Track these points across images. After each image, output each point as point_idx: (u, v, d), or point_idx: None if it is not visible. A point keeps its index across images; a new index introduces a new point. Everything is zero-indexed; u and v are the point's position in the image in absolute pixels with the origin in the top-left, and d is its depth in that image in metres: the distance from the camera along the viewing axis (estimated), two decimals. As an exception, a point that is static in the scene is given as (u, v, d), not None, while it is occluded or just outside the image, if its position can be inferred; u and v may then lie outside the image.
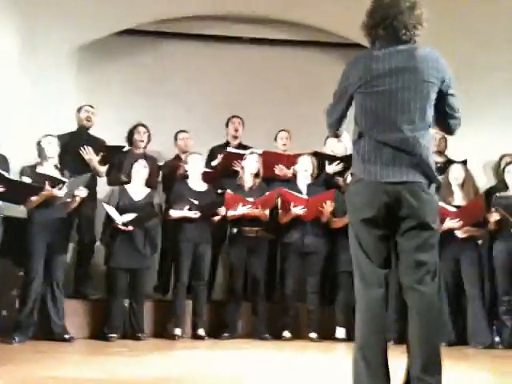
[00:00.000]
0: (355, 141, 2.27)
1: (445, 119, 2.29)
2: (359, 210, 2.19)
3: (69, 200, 4.34)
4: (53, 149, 4.38)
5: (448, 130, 2.34)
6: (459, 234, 4.64)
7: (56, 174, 4.33)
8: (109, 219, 4.61)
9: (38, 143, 4.39)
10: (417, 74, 2.18)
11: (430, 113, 2.22)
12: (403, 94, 2.17)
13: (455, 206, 4.69)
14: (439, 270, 2.23)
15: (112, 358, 3.71)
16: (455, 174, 4.78)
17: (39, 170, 4.30)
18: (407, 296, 2.17)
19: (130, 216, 4.49)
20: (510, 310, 4.57)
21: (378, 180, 2.16)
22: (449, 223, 4.58)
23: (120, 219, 4.49)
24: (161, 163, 5.23)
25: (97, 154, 4.89)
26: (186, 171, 4.93)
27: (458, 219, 4.58)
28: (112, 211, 4.51)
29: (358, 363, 2.16)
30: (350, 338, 4.47)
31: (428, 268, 2.16)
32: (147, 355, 3.99)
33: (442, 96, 2.23)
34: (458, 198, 4.77)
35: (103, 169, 5.02)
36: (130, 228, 4.50)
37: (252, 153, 5.01)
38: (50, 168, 4.36)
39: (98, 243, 5.03)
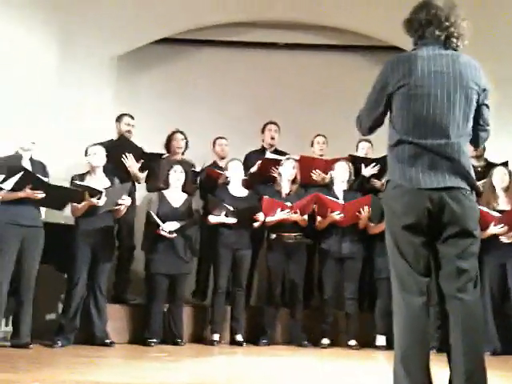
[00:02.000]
0: (392, 146, 2.21)
1: (475, 130, 2.21)
2: (399, 216, 2.13)
3: (116, 208, 4.42)
4: (100, 158, 4.47)
5: (476, 141, 2.26)
6: (504, 239, 4.51)
7: (106, 181, 4.44)
8: (149, 226, 4.67)
9: (86, 153, 4.49)
10: (462, 79, 2.13)
11: (471, 119, 2.17)
12: (449, 98, 2.12)
13: (499, 211, 4.55)
14: (480, 277, 2.16)
15: (151, 363, 3.74)
16: (500, 177, 4.64)
17: (88, 178, 4.41)
18: (449, 304, 2.11)
19: (176, 225, 4.55)
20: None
21: (421, 187, 2.10)
22: (493, 229, 4.45)
23: (167, 228, 4.54)
24: (198, 169, 5.26)
25: (137, 161, 4.96)
26: (227, 178, 4.94)
27: (502, 224, 4.45)
28: (158, 220, 4.57)
29: (399, 375, 2.10)
30: (390, 345, 4.37)
31: (470, 276, 2.11)
32: (186, 361, 4.01)
33: (478, 106, 2.18)
34: (503, 203, 4.62)
35: (142, 175, 5.09)
36: (174, 235, 4.55)
37: (289, 158, 4.98)
38: (99, 176, 4.46)
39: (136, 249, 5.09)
